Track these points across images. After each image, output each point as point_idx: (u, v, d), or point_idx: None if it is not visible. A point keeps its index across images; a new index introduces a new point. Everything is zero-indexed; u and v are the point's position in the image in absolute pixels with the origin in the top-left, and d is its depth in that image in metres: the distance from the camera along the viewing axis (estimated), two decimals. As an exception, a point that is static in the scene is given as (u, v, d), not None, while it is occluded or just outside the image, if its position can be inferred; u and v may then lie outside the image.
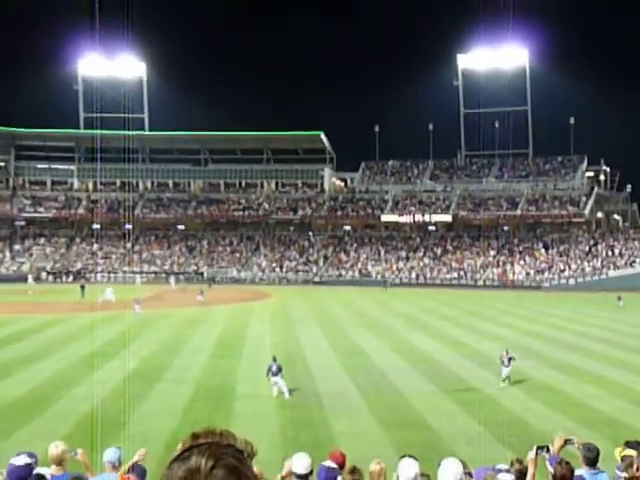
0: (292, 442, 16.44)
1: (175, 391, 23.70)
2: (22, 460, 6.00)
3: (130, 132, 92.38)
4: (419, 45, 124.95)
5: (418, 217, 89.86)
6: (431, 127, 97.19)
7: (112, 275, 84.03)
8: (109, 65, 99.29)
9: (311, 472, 7.35)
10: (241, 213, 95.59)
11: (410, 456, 7.35)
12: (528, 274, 79.67)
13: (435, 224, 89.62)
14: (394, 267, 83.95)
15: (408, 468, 6.71)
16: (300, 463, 7.37)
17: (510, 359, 24.69)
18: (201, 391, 23.72)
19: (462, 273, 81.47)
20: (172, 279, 77.76)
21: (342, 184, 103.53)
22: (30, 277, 77.71)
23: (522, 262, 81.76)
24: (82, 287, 63.06)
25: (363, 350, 32.74)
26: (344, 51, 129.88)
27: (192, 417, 19.54)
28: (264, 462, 7.93)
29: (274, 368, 23.12)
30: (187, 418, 19.47)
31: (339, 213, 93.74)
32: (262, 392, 23.44)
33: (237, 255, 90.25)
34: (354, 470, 7.19)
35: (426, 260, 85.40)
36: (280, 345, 34.39)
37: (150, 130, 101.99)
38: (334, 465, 7.21)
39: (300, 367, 28.38)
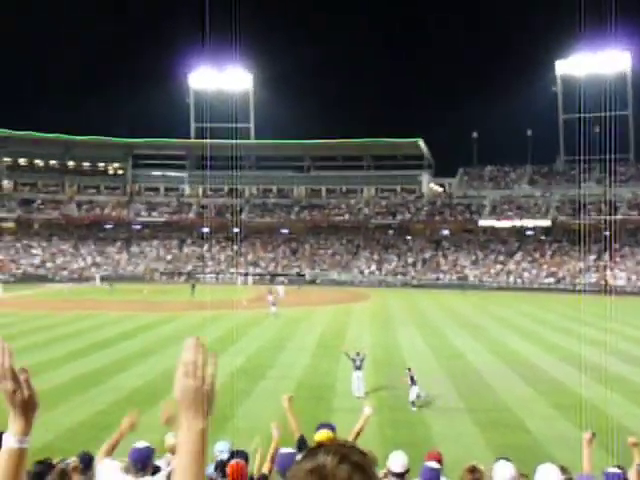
0: (390, 441, 16.37)
1: (278, 388, 23.94)
2: (143, 444, 6.27)
3: (237, 141, 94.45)
4: (517, 51, 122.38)
5: (516, 222, 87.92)
6: (529, 133, 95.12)
7: (220, 276, 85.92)
8: (218, 78, 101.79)
9: (407, 471, 7.27)
10: (342, 218, 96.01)
11: (506, 459, 7.21)
12: (629, 279, 76.60)
13: (533, 228, 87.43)
14: (491, 271, 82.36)
15: (504, 470, 6.59)
16: (397, 461, 7.31)
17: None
18: (303, 389, 23.90)
19: (560, 277, 79.13)
20: (280, 285, 77.98)
21: (440, 189, 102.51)
22: (97, 277, 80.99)
23: (623, 267, 78.68)
24: (193, 286, 65.12)
25: (460, 352, 32.27)
26: (443, 58, 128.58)
27: (295, 411, 19.72)
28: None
29: (357, 362, 23.14)
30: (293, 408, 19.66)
31: (437, 218, 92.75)
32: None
33: (338, 258, 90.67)
34: (474, 469, 7.00)
35: (524, 264, 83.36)
36: (379, 346, 34.34)
37: (256, 139, 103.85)
38: (437, 465, 7.10)
39: (398, 368, 28.22)
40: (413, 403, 21.48)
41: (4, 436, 2.16)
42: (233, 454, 7.85)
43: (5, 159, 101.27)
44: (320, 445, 1.87)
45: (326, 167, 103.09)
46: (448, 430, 18.40)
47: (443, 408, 21.23)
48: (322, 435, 7.55)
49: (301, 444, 7.79)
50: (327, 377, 25.89)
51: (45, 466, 6.49)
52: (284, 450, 6.71)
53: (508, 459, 7.23)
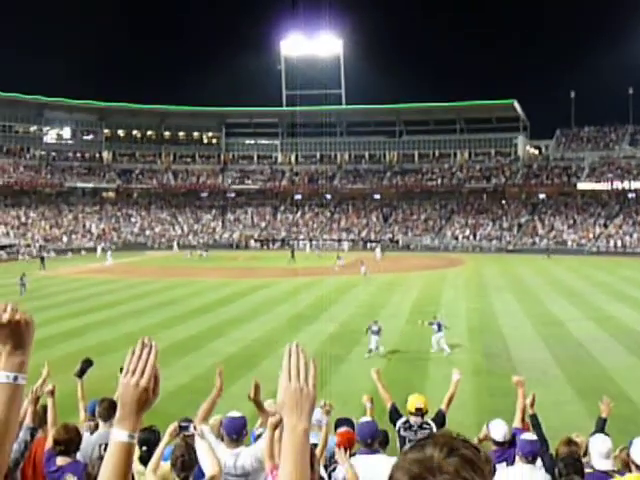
0: (487, 408, 16.15)
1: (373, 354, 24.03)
2: (237, 414, 6.35)
3: (328, 107, 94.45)
4: (615, 7, 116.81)
5: (617, 184, 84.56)
6: (630, 91, 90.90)
7: (314, 242, 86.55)
8: (309, 44, 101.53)
9: (508, 441, 7.14)
10: (435, 182, 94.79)
11: (603, 432, 7.00)
12: None
13: (635, 191, 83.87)
14: (590, 235, 79.70)
15: (600, 444, 6.38)
16: (498, 430, 7.20)
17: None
18: (398, 355, 23.88)
19: (666, 241, 75.79)
20: (378, 250, 76.82)
21: (536, 152, 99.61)
22: (175, 245, 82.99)
23: None
24: (292, 253, 67.08)
25: (558, 319, 31.44)
26: (536, 15, 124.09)
27: (389, 378, 19.67)
28: (458, 426, 7.90)
29: (374, 328, 24.09)
30: (384, 379, 19.64)
31: (533, 181, 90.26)
32: (457, 358, 23.23)
33: (431, 223, 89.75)
34: (570, 441, 6.84)
35: (625, 228, 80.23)
36: (474, 311, 33.90)
37: (347, 104, 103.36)
38: (534, 437, 6.91)
39: (494, 334, 27.81)
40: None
41: (113, 430, 2.20)
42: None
43: (104, 131, 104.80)
44: (429, 436, 1.79)
45: (418, 132, 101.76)
46: (547, 398, 17.99)
47: (541, 376, 20.78)
48: (415, 399, 7.52)
49: (394, 413, 7.77)
50: (422, 343, 25.70)
51: (152, 433, 6.76)
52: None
53: (606, 433, 7.01)
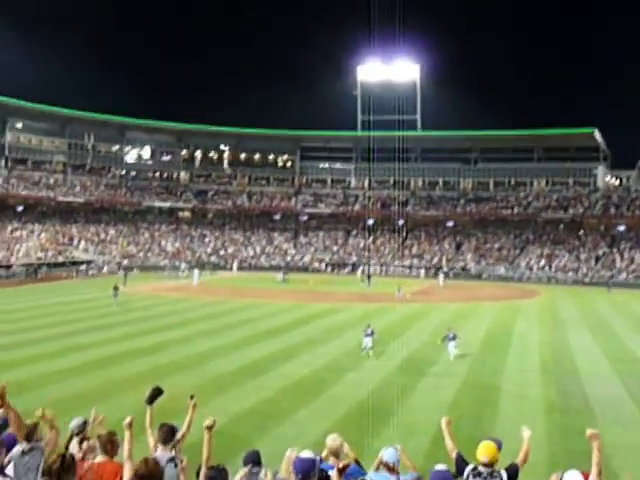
0: (560, 448, 15.71)
1: (441, 385, 23.69)
2: (308, 454, 6.30)
3: (403, 133, 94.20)
4: None
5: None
6: None
7: (384, 268, 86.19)
8: (385, 70, 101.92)
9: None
10: (510, 211, 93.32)
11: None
12: None
13: None
14: (673, 270, 76.91)
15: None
16: (573, 477, 6.97)
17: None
18: (467, 387, 23.49)
19: None
20: (441, 277, 77.19)
21: (617, 182, 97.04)
22: (235, 266, 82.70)
23: None
24: (369, 277, 68.93)
25: (637, 356, 30.41)
26: (618, 43, 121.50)
27: (457, 412, 19.37)
28: (530, 466, 7.70)
29: (368, 331, 29.51)
30: (452, 413, 19.32)
31: (613, 212, 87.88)
32: (529, 393, 22.71)
33: (504, 252, 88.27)
34: None
35: None
36: (547, 345, 33.13)
37: (422, 130, 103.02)
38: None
39: (568, 369, 27.07)
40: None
41: None
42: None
43: (182, 152, 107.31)
44: None
45: (494, 159, 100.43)
46: (624, 440, 17.37)
47: (618, 416, 20.09)
48: (485, 449, 7.16)
49: (459, 463, 7.44)
50: (494, 377, 25.23)
51: (220, 472, 6.81)
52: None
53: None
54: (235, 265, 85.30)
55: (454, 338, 29.06)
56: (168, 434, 7.35)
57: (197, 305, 47.54)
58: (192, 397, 7.98)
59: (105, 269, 77.91)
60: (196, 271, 68.11)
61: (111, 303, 46.22)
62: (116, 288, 48.17)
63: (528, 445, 7.56)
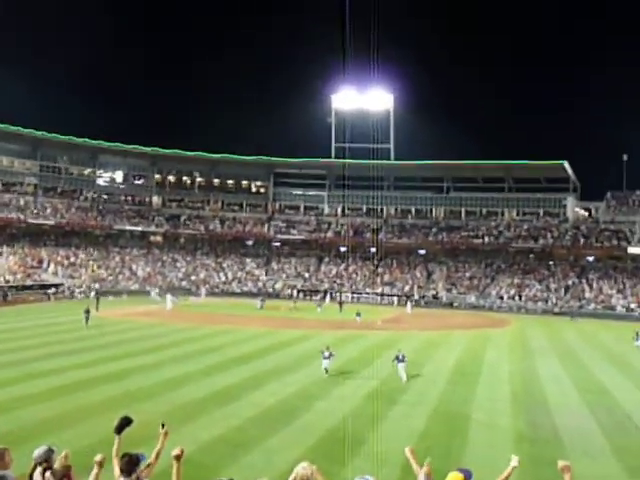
0: (530, 478, 15.71)
1: (412, 413, 23.65)
2: None
3: (377, 161, 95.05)
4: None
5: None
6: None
7: (356, 295, 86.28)
8: (360, 98, 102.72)
9: None
10: (481, 240, 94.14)
11: None
12: None
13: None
14: (641, 301, 77.92)
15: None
16: None
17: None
18: (437, 416, 23.45)
19: None
20: (409, 305, 77.76)
21: (586, 214, 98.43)
22: (153, 292, 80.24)
23: None
24: (340, 304, 69.13)
25: (606, 387, 30.59)
26: (587, 78, 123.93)
27: (428, 442, 19.35)
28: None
29: (325, 354, 31.45)
30: (423, 442, 19.29)
31: (582, 243, 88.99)
32: (499, 422, 22.73)
33: (475, 281, 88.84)
34: None
35: (678, 295, 78.28)
36: (517, 374, 33.27)
37: (395, 159, 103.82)
38: None
39: (538, 399, 27.18)
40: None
41: None
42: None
43: (155, 176, 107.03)
44: None
45: (466, 188, 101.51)
46: (592, 471, 17.44)
47: (587, 447, 20.17)
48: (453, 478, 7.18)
49: None
50: (463, 406, 25.24)
51: None
52: None
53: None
54: (203, 291, 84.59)
55: (403, 360, 30.69)
56: (130, 465, 7.23)
57: (169, 331, 47.12)
58: (163, 425, 7.86)
59: (76, 292, 77.01)
60: (169, 296, 67.74)
61: (81, 327, 45.69)
62: (87, 311, 48.16)
63: (508, 474, 7.55)
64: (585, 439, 21.08)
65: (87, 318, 47.66)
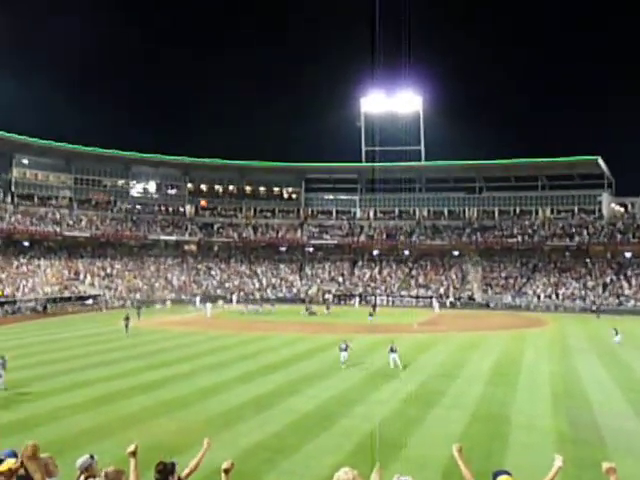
0: (573, 480, 15.46)
1: (451, 417, 23.43)
2: None
3: (408, 163, 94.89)
4: None
5: None
6: None
7: (391, 298, 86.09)
8: (388, 101, 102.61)
9: None
10: (515, 240, 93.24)
11: None
12: None
13: None
14: (682, 296, 76.52)
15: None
16: None
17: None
18: (476, 419, 23.21)
19: None
20: (435, 304, 77.51)
21: (622, 209, 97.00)
22: (234, 298, 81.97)
23: None
24: (374, 307, 70.79)
25: (648, 385, 30.06)
26: (620, 69, 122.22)
27: (467, 445, 19.11)
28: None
29: (342, 346, 34.68)
30: (462, 446, 19.02)
31: (619, 239, 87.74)
32: (539, 424, 22.43)
33: (511, 281, 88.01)
34: None
35: None
36: (557, 375, 32.82)
37: (426, 160, 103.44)
38: None
39: (579, 400, 26.77)
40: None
41: None
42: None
43: (188, 185, 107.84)
44: None
45: (499, 188, 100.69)
46: (636, 471, 17.10)
47: (630, 446, 19.80)
48: None
49: None
50: (503, 408, 24.97)
51: None
52: None
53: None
54: (235, 297, 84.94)
55: (395, 350, 34.02)
56: (164, 473, 7.08)
57: (204, 339, 47.43)
58: (208, 440, 7.89)
59: (114, 303, 78.03)
60: (208, 304, 69.36)
61: (121, 337, 46.33)
62: (127, 318, 49.76)
63: (553, 475, 7.37)
64: (629, 439, 20.69)
65: (127, 325, 49.20)
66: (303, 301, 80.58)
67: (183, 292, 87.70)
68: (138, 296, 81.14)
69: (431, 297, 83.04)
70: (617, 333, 46.39)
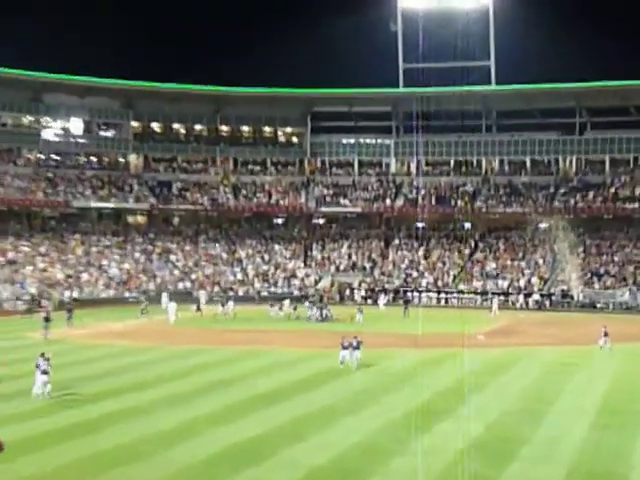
0: None
1: (538, 476, 23.23)
2: None
3: (470, 88, 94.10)
4: None
5: None
6: None
7: (443, 295, 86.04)
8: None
9: None
10: (637, 205, 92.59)
11: None
12: None
13: None
14: None
15: None
16: None
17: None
18: (575, 477, 23.02)
19: None
20: (495, 304, 77.17)
21: None
22: (202, 297, 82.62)
23: None
24: (406, 303, 73.43)
25: None
26: None
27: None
28: None
29: (354, 343, 41.77)
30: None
31: None
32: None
33: (630, 269, 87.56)
34: None
35: None
36: None
37: (498, 85, 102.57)
38: None
39: None
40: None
41: None
42: None
43: (132, 124, 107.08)
44: None
45: (610, 125, 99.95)
46: None
47: None
48: None
49: None
50: (617, 463, 24.69)
51: None
52: None
53: None
54: (203, 296, 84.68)
55: (358, 347, 41.27)
56: None
57: (156, 358, 47.34)
58: None
59: (19, 304, 78.05)
60: (171, 305, 69.25)
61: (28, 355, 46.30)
62: (47, 319, 54.00)
63: None
64: None
65: (46, 327, 53.10)
66: (306, 298, 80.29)
67: (126, 288, 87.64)
68: (68, 294, 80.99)
69: (496, 294, 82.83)
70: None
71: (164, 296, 78.93)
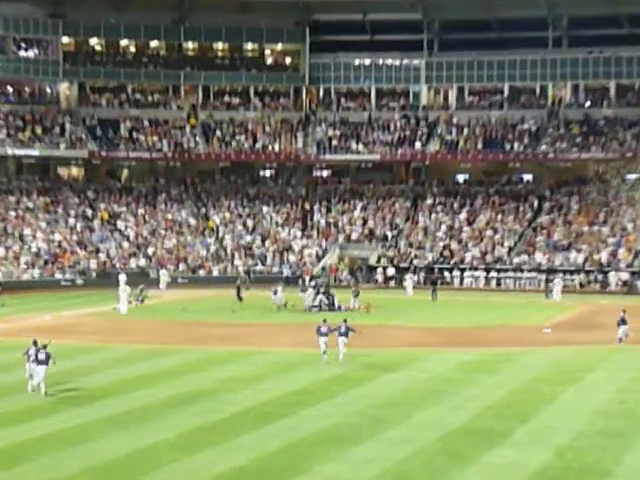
0: None
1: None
2: None
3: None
4: None
5: None
6: None
7: (494, 273, 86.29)
8: None
9: None
10: None
11: None
12: None
13: None
14: None
15: None
16: None
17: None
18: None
19: None
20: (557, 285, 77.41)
21: None
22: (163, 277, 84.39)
23: None
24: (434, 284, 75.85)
25: None
26: None
27: None
28: None
29: (323, 329, 44.12)
30: None
31: None
32: None
33: None
34: None
35: None
36: None
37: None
38: None
39: None
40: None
41: None
42: None
43: (63, 40, 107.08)
44: None
45: None
46: None
47: None
48: None
49: None
50: None
51: None
52: None
53: None
54: (164, 276, 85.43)
55: (346, 334, 44.11)
56: None
57: (103, 363, 47.40)
58: None
59: None
60: (123, 288, 70.52)
61: None
62: None
63: None
64: None
65: None
66: (303, 281, 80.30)
67: (58, 266, 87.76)
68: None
69: (566, 272, 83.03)
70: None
71: (121, 278, 78.81)
